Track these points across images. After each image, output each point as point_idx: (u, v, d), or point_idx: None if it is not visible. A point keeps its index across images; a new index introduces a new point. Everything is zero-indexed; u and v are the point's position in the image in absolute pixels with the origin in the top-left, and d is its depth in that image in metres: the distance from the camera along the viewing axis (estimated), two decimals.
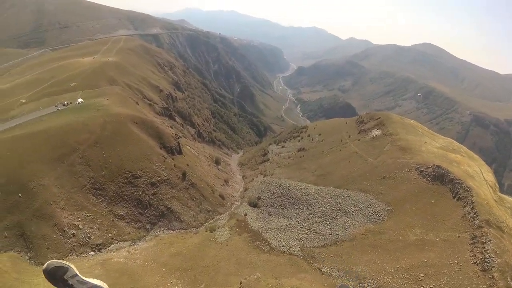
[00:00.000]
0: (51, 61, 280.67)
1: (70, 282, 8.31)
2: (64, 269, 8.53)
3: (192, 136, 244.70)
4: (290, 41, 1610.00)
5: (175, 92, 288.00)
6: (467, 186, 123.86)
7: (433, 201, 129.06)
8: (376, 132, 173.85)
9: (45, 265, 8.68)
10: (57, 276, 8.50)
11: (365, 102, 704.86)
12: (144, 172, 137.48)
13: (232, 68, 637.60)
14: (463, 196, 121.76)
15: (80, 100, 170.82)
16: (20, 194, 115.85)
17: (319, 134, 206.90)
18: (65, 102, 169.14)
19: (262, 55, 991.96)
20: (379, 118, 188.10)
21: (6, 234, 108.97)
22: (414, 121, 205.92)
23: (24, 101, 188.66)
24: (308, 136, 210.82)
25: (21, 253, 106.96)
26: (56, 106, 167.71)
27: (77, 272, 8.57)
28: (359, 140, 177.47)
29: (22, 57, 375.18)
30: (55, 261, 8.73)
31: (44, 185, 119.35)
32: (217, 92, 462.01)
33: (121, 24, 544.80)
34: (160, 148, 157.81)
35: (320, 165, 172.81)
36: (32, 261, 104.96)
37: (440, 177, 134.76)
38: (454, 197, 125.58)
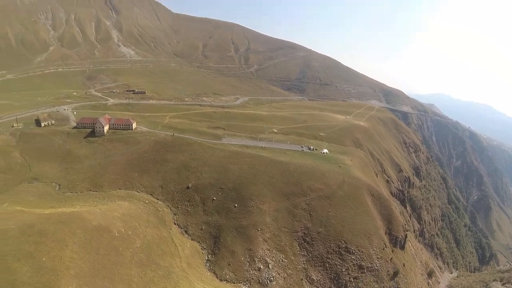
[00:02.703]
0: (307, 108, 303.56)
1: None
2: None
3: (414, 232, 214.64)
4: None
5: (414, 177, 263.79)
6: None
7: None
8: None
9: None
10: None
11: None
12: (358, 250, 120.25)
13: (475, 170, 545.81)
14: None
15: (325, 150, 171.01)
16: (236, 205, 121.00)
17: None
18: (311, 147, 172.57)
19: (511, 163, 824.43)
20: None
21: (203, 228, 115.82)
22: None
23: (275, 131, 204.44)
24: None
25: (204, 250, 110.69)
26: (302, 147, 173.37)
27: None
28: None
29: (283, 97, 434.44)
30: None
31: (262, 210, 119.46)
32: (453, 192, 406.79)
33: (374, 94, 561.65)
34: (385, 233, 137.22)
35: None
36: (208, 264, 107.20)
37: None
38: None
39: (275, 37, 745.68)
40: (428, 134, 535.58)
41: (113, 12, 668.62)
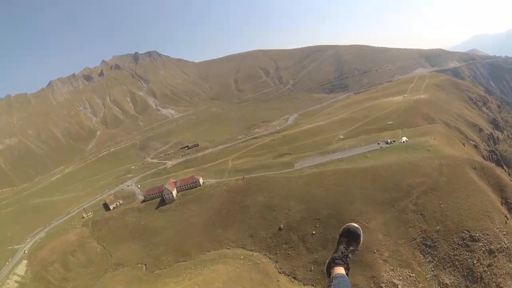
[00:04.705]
0: (359, 102, 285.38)
1: None
2: None
3: None
4: None
5: (495, 131, 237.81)
6: None
7: None
8: None
9: None
10: None
11: None
12: (483, 234, 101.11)
13: None
14: None
15: (404, 138, 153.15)
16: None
17: None
18: (388, 140, 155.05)
19: None
20: None
21: (312, 268, 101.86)
22: None
23: (341, 137, 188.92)
24: None
25: None
26: (378, 143, 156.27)
27: None
28: None
29: (330, 100, 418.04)
30: None
31: (370, 228, 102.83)
32: None
33: (416, 62, 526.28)
34: (502, 204, 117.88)
35: None
36: None
37: None
38: None
39: (298, 47, 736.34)
40: (484, 81, 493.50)
41: (142, 82, 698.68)
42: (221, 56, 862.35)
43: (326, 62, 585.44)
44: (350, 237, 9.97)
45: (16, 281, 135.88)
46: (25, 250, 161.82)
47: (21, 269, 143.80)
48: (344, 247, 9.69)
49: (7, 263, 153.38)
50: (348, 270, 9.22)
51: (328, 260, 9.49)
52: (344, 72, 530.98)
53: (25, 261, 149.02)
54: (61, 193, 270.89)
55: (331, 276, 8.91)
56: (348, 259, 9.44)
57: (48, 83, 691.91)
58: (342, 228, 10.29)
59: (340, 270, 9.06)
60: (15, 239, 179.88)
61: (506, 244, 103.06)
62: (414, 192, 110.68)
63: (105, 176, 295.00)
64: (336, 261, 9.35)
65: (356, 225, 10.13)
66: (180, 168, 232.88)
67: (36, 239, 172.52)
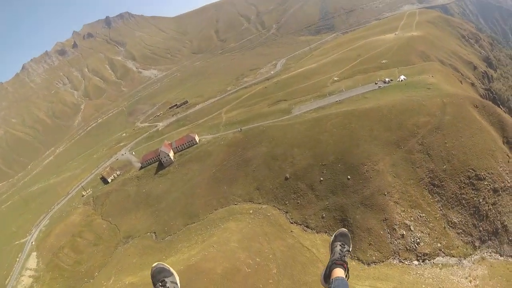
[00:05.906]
0: (349, 42, 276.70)
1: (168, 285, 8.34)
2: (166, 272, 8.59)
3: None
4: None
5: (488, 69, 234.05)
6: None
7: None
8: None
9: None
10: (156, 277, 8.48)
11: None
12: (488, 173, 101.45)
13: None
14: None
15: (402, 77, 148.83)
16: (348, 177, 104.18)
17: None
18: (387, 79, 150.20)
19: None
20: None
21: (324, 215, 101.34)
22: None
23: (336, 78, 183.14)
24: None
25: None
26: (376, 83, 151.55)
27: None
28: None
29: (317, 42, 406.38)
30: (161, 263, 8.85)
31: (378, 171, 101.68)
32: None
33: None
34: (503, 143, 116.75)
35: None
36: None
37: None
38: None
39: None
40: (474, 18, 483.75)
41: (118, 46, 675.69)
42: (197, 6, 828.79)
43: (310, 2, 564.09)
44: (343, 240, 10.21)
45: (30, 276, 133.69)
46: (32, 242, 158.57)
47: (32, 262, 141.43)
48: (340, 249, 9.92)
49: (17, 259, 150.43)
50: (347, 271, 9.35)
51: (327, 264, 9.59)
52: (329, 12, 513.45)
53: (34, 253, 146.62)
54: (57, 175, 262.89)
55: (331, 279, 9.03)
56: (346, 258, 9.72)
57: (22, 67, 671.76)
58: (334, 234, 10.53)
59: (339, 272, 9.20)
60: (21, 232, 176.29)
61: (509, 183, 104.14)
62: (419, 132, 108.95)
63: (97, 149, 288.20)
64: (336, 262, 9.48)
65: (344, 229, 10.47)
66: (173, 128, 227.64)
67: (41, 228, 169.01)
